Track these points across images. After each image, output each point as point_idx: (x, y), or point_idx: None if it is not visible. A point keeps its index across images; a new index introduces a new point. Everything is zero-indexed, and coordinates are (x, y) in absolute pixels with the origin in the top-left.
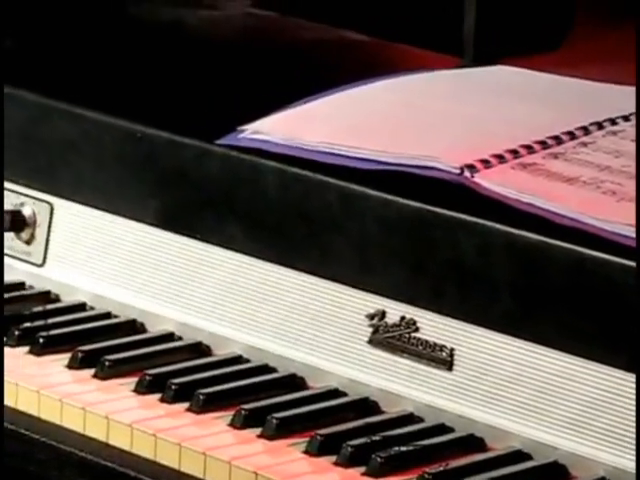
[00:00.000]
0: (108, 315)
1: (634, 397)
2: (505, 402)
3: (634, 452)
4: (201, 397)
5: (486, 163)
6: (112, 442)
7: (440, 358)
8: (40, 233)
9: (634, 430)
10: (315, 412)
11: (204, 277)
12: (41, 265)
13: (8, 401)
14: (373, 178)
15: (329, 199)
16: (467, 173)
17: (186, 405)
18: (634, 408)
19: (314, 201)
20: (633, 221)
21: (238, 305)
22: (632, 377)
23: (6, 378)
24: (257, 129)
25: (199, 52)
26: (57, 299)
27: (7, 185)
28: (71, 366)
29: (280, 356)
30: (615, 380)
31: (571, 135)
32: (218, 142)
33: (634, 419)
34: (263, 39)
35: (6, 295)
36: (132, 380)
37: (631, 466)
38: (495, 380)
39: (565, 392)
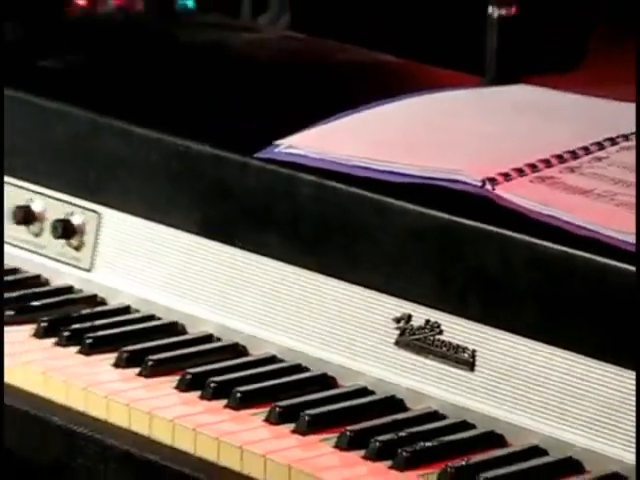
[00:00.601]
0: (152, 317)
1: None
2: (524, 401)
3: None
4: (238, 395)
5: (506, 176)
6: (154, 436)
7: (462, 359)
8: (88, 240)
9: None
10: (345, 409)
11: (242, 283)
12: (89, 270)
13: (57, 398)
14: (401, 190)
15: (360, 210)
16: (489, 186)
17: (224, 402)
18: None
19: (346, 212)
20: None
21: (273, 309)
22: None
23: (56, 376)
24: (292, 144)
25: (240, 72)
26: (103, 302)
27: (58, 195)
28: (117, 365)
29: (312, 357)
30: (627, 381)
31: (586, 150)
32: (256, 156)
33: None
34: (298, 59)
35: (55, 298)
36: (174, 378)
37: None
38: (514, 380)
39: (580, 392)
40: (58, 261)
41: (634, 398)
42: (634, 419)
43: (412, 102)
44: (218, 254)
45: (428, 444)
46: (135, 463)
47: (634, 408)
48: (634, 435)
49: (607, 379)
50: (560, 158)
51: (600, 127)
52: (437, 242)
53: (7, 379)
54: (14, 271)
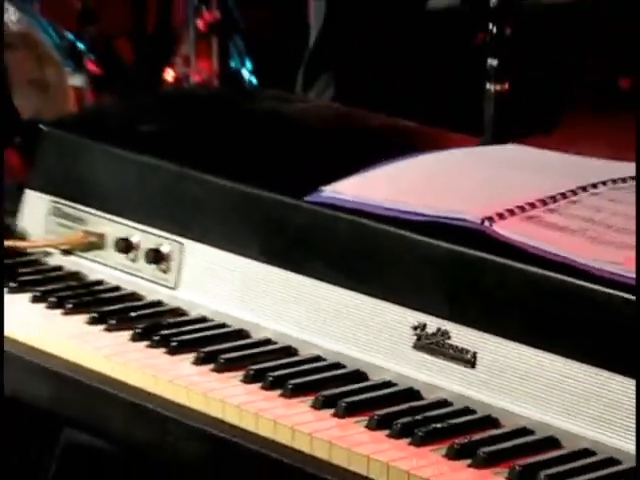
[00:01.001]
0: (223, 325)
1: (616, 390)
2: (514, 392)
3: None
4: (290, 386)
5: (501, 216)
6: (226, 419)
7: (466, 359)
8: (174, 265)
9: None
10: (374, 398)
11: (294, 298)
12: (174, 288)
13: (149, 387)
14: (420, 226)
15: (388, 243)
16: (487, 223)
17: (279, 392)
18: (617, 399)
19: (377, 244)
20: (612, 259)
21: (318, 319)
22: (612, 375)
23: (148, 371)
24: (334, 189)
25: (294, 133)
26: (185, 313)
27: (151, 230)
28: (195, 363)
29: (349, 356)
30: (597, 378)
31: (563, 195)
32: (306, 199)
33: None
34: (339, 123)
35: (148, 310)
36: (240, 373)
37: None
38: (507, 376)
39: (559, 384)
40: (150, 281)
41: (605, 392)
42: (608, 407)
43: (428, 157)
44: (275, 276)
45: (439, 426)
46: (211, 440)
47: (607, 399)
48: (612, 421)
49: (581, 374)
50: (543, 202)
51: (573, 178)
52: (447, 267)
53: (113, 374)
54: (116, 289)
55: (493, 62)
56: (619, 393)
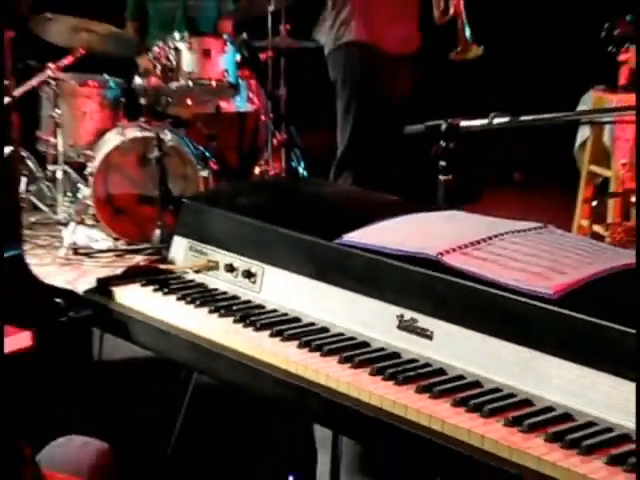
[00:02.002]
0: (285, 314)
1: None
2: (456, 356)
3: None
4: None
5: (447, 252)
6: (290, 370)
7: (427, 335)
8: (259, 279)
9: None
10: (376, 358)
11: (330, 300)
12: (258, 293)
13: (241, 349)
14: (403, 258)
15: (386, 269)
16: (440, 256)
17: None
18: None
19: (376, 268)
20: (515, 277)
21: (343, 312)
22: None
23: (242, 339)
24: (350, 236)
25: (328, 204)
26: (264, 307)
27: (244, 258)
28: (269, 336)
29: (362, 334)
30: (513, 348)
31: (483, 240)
32: (335, 242)
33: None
34: (355, 198)
35: (242, 305)
36: (295, 342)
37: None
38: (454, 346)
39: (489, 353)
40: (244, 288)
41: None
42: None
43: (408, 217)
44: (317, 286)
45: (412, 373)
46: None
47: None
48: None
49: (503, 348)
50: (472, 243)
51: (489, 229)
52: (416, 281)
53: (224, 342)
54: (224, 293)
55: (442, 163)
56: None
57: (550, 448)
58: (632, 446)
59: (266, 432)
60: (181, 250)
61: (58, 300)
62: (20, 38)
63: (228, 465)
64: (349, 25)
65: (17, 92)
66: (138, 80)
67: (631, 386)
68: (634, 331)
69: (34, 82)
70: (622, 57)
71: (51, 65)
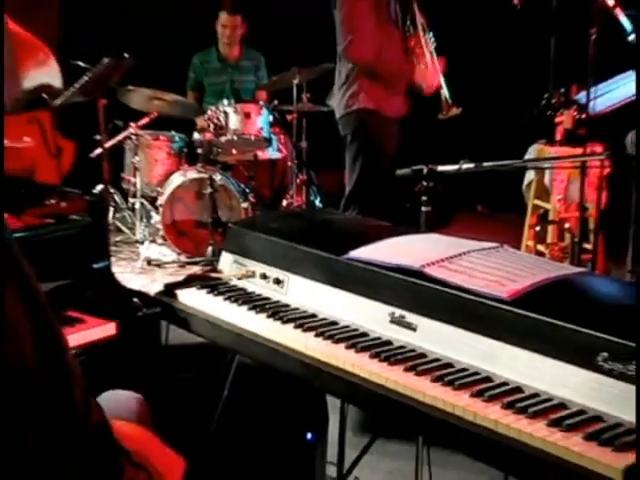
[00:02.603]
0: (305, 311)
1: (492, 345)
2: (435, 342)
3: None
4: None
5: (428, 265)
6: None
7: (412, 327)
8: (285, 285)
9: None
10: (374, 344)
11: (338, 300)
12: (285, 295)
13: (271, 337)
14: (393, 270)
15: (378, 277)
16: (422, 268)
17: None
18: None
19: (373, 278)
20: (479, 284)
21: (349, 309)
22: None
23: (274, 330)
24: (354, 253)
25: (338, 228)
26: (290, 306)
27: (274, 269)
28: (293, 327)
29: (361, 326)
30: (475, 338)
31: (455, 256)
32: (342, 257)
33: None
34: (359, 224)
35: (273, 304)
36: (312, 333)
37: None
38: (433, 337)
39: (460, 343)
40: (274, 292)
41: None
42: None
43: (399, 239)
44: (328, 290)
45: (400, 356)
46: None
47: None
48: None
49: (469, 339)
50: (447, 259)
51: (459, 248)
52: (404, 287)
53: (263, 333)
54: (259, 294)
55: (424, 198)
56: (494, 347)
57: (504, 414)
58: (566, 412)
59: (289, 400)
60: (227, 263)
61: (135, 300)
62: (110, 104)
63: (259, 426)
64: (358, 97)
65: (107, 145)
66: (196, 135)
67: (567, 367)
68: (568, 325)
69: (120, 137)
70: (558, 119)
71: (132, 125)
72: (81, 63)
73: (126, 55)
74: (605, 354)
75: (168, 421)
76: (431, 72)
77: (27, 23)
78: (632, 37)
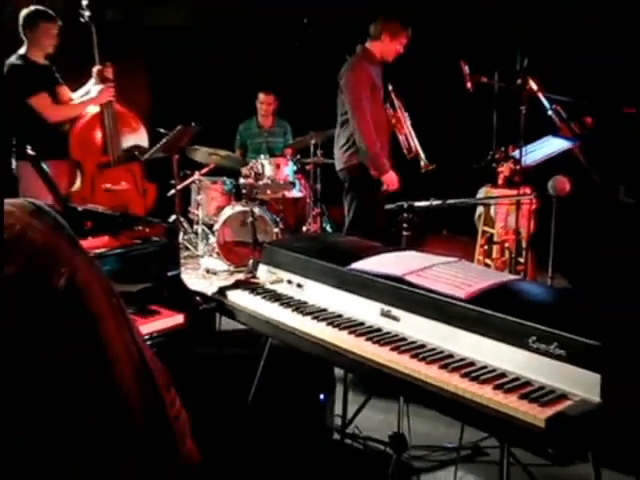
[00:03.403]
0: (324, 310)
1: (457, 336)
2: (413, 329)
3: None
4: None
5: (409, 274)
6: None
7: (396, 319)
8: (305, 288)
9: None
10: (370, 331)
11: (343, 298)
12: (304, 295)
13: (294, 325)
14: (382, 277)
15: (372, 283)
16: (404, 276)
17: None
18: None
19: (369, 283)
20: (445, 289)
21: (351, 306)
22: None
23: (296, 321)
24: (355, 265)
25: (343, 247)
26: (308, 304)
27: (295, 276)
28: (311, 319)
29: (360, 319)
30: (441, 327)
31: (427, 267)
32: (345, 268)
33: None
34: (357, 244)
35: (295, 302)
36: (343, 330)
37: None
38: (414, 325)
39: (433, 329)
40: (297, 292)
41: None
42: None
43: (386, 255)
44: (336, 292)
45: (391, 340)
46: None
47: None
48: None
49: (439, 328)
50: (422, 269)
51: (429, 261)
52: (391, 290)
53: (292, 323)
54: (285, 295)
55: (405, 225)
56: (456, 333)
57: (462, 381)
58: (506, 379)
59: (307, 372)
60: (263, 272)
61: (197, 298)
62: (181, 159)
63: (286, 391)
64: (353, 156)
65: (179, 187)
66: (242, 180)
67: (506, 347)
68: (507, 316)
69: (188, 182)
70: (499, 169)
71: (197, 173)
72: (162, 129)
73: (193, 124)
74: (534, 337)
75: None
76: (393, 178)
77: (126, 99)
78: (550, 112)
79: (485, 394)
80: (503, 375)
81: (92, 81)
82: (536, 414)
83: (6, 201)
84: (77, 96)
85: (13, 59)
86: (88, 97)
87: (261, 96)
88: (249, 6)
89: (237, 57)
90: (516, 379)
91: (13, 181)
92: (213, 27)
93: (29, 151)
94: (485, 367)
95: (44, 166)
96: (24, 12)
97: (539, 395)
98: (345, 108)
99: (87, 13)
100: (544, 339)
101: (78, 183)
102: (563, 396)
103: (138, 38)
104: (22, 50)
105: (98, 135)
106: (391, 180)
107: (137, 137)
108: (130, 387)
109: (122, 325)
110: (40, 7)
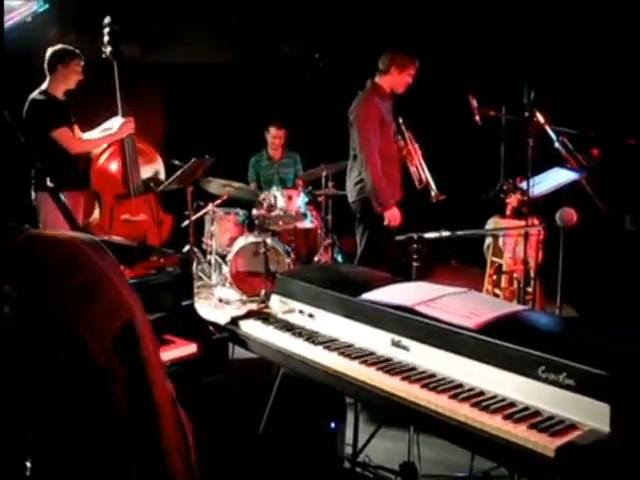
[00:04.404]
0: (334, 340)
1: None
2: (424, 358)
3: None
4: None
5: (418, 304)
6: (351, 374)
7: (406, 348)
8: (316, 318)
9: None
10: (381, 360)
11: (354, 328)
12: (316, 325)
13: (307, 355)
14: (393, 307)
15: (382, 314)
16: (413, 307)
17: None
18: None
19: (379, 314)
20: (452, 319)
21: (363, 336)
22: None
23: (309, 351)
24: (365, 296)
25: (354, 276)
26: (319, 334)
27: (306, 306)
28: (324, 348)
29: (371, 349)
30: (447, 355)
31: (437, 298)
32: (357, 298)
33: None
34: (367, 274)
35: (307, 332)
36: (355, 360)
37: None
38: (423, 354)
39: (445, 361)
40: (309, 322)
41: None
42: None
43: (397, 285)
44: (345, 322)
45: (406, 374)
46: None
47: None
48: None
49: (449, 359)
50: (430, 300)
51: (439, 292)
52: (402, 321)
53: (303, 353)
54: (297, 325)
55: (415, 256)
56: (465, 363)
57: (472, 410)
58: (515, 408)
59: (319, 400)
60: (276, 301)
61: (211, 327)
62: (196, 190)
63: (297, 419)
64: (365, 188)
65: (193, 218)
66: (254, 211)
67: (516, 376)
68: (516, 346)
69: (202, 213)
70: (507, 200)
71: (210, 204)
72: (177, 162)
73: (207, 156)
74: (543, 367)
75: (229, 409)
76: (396, 214)
77: (143, 132)
78: (556, 144)
79: (495, 423)
80: (512, 405)
81: (116, 118)
82: (546, 444)
83: (71, 235)
84: (100, 130)
85: (36, 94)
86: (110, 132)
87: (273, 130)
88: (261, 42)
89: (249, 90)
90: (525, 409)
91: (33, 212)
92: (226, 63)
93: (48, 183)
94: (495, 397)
95: (62, 197)
96: (52, 49)
97: (549, 425)
98: (355, 143)
99: (109, 49)
100: (553, 369)
101: (96, 214)
102: (572, 426)
103: (155, 73)
104: (44, 86)
105: (118, 166)
106: (393, 216)
107: (154, 169)
108: (171, 433)
109: (162, 368)
110: (66, 45)
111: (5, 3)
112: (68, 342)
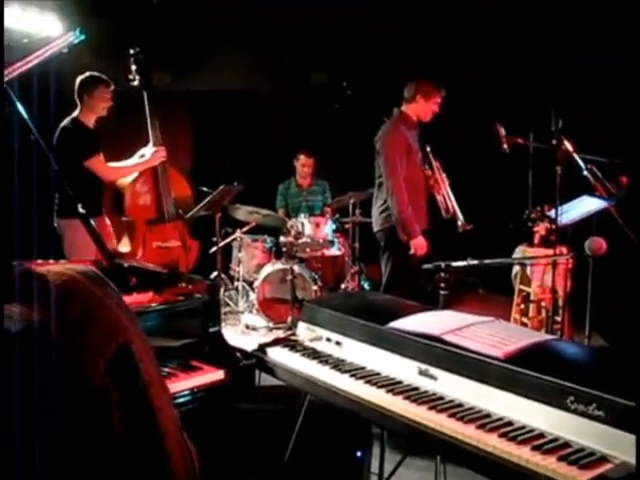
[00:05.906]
0: (343, 361)
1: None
2: (452, 387)
3: None
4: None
5: (446, 333)
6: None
7: (434, 377)
8: (343, 346)
9: None
10: (408, 390)
11: (378, 356)
12: (343, 353)
13: (333, 383)
14: (419, 335)
15: (409, 341)
16: (441, 335)
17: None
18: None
19: (405, 342)
20: (484, 348)
21: (388, 362)
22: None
23: (335, 379)
24: (394, 323)
25: (378, 304)
26: (346, 362)
27: (334, 334)
28: (350, 376)
29: (398, 378)
30: (466, 382)
31: (464, 327)
32: (384, 326)
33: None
34: (389, 301)
35: (333, 360)
36: (370, 384)
37: None
38: (451, 382)
39: (471, 386)
40: (336, 350)
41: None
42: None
43: (425, 313)
44: (372, 350)
45: (427, 399)
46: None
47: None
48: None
49: (471, 385)
50: (458, 329)
51: (466, 321)
52: (430, 350)
53: (328, 380)
54: (324, 353)
55: (442, 285)
56: (493, 392)
57: (500, 441)
58: (544, 440)
59: (345, 428)
60: (302, 329)
61: (238, 354)
62: (224, 217)
63: (324, 447)
64: (390, 218)
65: (221, 244)
66: (282, 238)
67: (544, 407)
68: (545, 376)
69: (229, 239)
70: (535, 229)
71: (238, 231)
72: (205, 189)
73: (235, 183)
74: (572, 398)
75: (256, 436)
76: (422, 243)
77: (172, 159)
78: (585, 172)
79: (523, 455)
80: (541, 435)
81: (148, 146)
82: (575, 476)
83: (72, 267)
84: (134, 159)
85: (66, 122)
86: (143, 159)
87: (302, 158)
88: (290, 71)
89: (278, 118)
90: (554, 440)
91: (57, 239)
92: (256, 91)
93: (80, 209)
94: (523, 427)
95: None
96: (79, 78)
97: (578, 457)
98: (381, 171)
99: (137, 78)
100: (582, 400)
101: (127, 242)
102: (603, 458)
103: (185, 101)
104: (75, 113)
105: (151, 193)
106: (420, 245)
107: (184, 196)
108: (179, 457)
109: (167, 394)
110: (95, 72)
111: (44, 35)
112: (64, 364)
